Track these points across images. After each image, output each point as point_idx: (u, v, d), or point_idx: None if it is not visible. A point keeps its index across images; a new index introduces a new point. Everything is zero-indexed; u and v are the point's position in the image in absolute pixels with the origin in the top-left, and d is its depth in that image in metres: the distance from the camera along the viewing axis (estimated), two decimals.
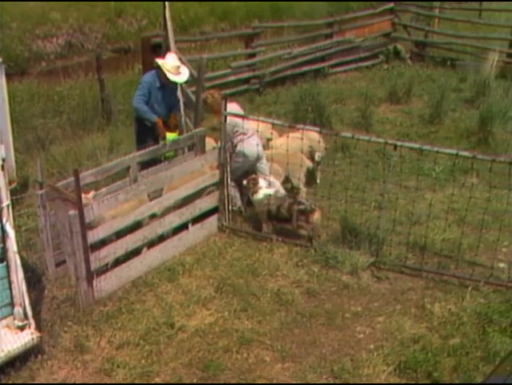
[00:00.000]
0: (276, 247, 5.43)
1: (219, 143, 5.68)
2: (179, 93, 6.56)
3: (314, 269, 5.12)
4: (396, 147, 4.92)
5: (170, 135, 5.89)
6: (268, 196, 5.56)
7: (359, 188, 6.01)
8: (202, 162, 5.58)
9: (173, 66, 5.90)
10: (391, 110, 9.57)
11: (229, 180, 5.71)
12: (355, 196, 5.95)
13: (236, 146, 5.84)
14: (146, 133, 5.97)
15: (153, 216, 5.17)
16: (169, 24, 6.80)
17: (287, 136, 6.02)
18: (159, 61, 5.94)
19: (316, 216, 5.40)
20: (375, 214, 5.55)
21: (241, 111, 5.99)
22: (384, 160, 6.56)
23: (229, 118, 5.58)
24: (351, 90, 10.41)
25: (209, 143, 6.20)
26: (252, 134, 5.88)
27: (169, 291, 4.82)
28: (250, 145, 5.87)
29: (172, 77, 5.89)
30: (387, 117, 9.23)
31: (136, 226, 4.98)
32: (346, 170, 6.74)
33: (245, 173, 5.92)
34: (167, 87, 6.01)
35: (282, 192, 5.91)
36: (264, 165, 6.02)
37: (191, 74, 7.21)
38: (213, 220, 5.68)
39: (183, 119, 6.72)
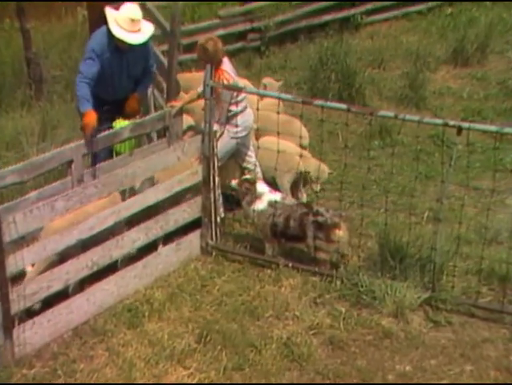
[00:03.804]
0: (285, 276, 5.45)
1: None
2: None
3: (341, 308, 5.12)
4: (461, 130, 4.91)
5: (119, 123, 5.88)
6: (273, 204, 5.59)
7: (406, 190, 6.03)
8: (178, 154, 5.61)
9: (127, 20, 5.71)
10: (455, 76, 9.62)
11: (216, 179, 5.74)
12: (399, 202, 5.99)
13: (236, 116, 5.99)
14: (101, 112, 5.90)
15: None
16: None
17: None
18: (108, 11, 5.81)
19: (342, 231, 5.42)
20: (430, 229, 5.56)
21: (232, 70, 6.11)
22: (442, 151, 6.53)
23: (227, 80, 5.77)
24: (396, 48, 10.43)
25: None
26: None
27: (129, 342, 4.82)
28: (249, 114, 6.09)
29: (122, 35, 5.69)
30: (448, 86, 9.28)
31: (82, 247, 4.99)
32: (386, 165, 6.79)
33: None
34: (130, 50, 5.84)
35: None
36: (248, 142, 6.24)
37: (162, 27, 7.25)
38: (193, 238, 5.73)
39: (149, 90, 6.77)
